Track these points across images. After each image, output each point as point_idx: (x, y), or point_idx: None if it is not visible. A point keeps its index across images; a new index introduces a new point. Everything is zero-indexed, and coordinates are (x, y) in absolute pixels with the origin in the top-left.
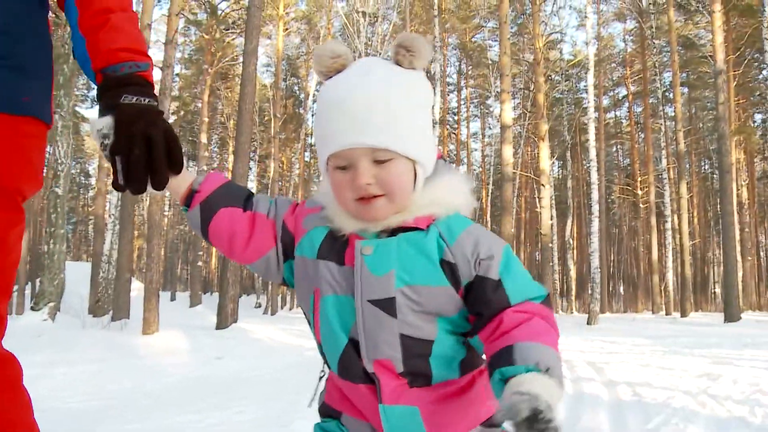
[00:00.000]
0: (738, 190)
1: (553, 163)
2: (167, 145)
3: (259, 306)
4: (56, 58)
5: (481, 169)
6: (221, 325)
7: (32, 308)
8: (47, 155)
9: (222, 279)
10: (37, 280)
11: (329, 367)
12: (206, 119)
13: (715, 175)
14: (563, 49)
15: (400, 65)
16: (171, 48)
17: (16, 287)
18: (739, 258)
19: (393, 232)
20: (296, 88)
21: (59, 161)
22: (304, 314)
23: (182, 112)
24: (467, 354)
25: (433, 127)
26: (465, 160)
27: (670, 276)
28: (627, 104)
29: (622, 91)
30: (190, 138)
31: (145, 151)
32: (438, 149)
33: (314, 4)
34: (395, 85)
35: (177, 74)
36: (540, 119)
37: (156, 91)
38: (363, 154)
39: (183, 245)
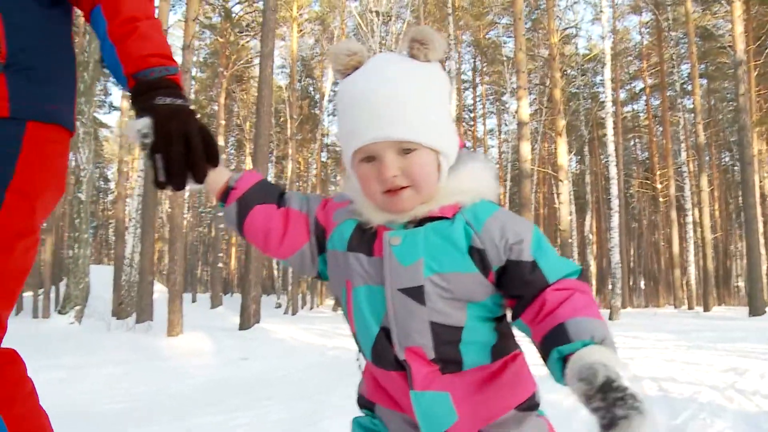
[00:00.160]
0: (761, 181)
1: (571, 158)
2: (204, 140)
3: (280, 306)
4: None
5: (498, 166)
6: (244, 325)
7: (59, 312)
8: (70, 162)
9: (244, 280)
10: (60, 284)
11: (364, 356)
12: (222, 122)
13: (736, 167)
14: (578, 44)
15: (415, 59)
16: (188, 53)
17: (41, 291)
18: (762, 251)
19: (420, 222)
20: (311, 88)
21: (81, 167)
22: (340, 305)
23: (198, 115)
24: (499, 340)
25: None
26: None
27: (691, 270)
28: (644, 97)
29: (639, 85)
30: None
31: (183, 147)
32: (460, 138)
33: (328, 5)
34: (413, 77)
35: (193, 77)
36: (557, 115)
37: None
38: (387, 147)
39: (203, 247)
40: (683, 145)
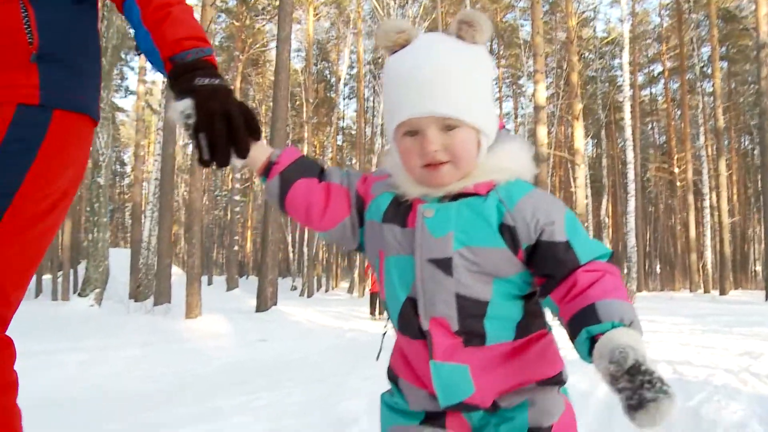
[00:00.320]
0: None
1: (588, 142)
2: (244, 117)
3: (295, 288)
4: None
5: None
6: (261, 308)
7: (79, 294)
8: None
9: (261, 263)
10: (78, 267)
11: (392, 324)
12: None
13: (755, 151)
14: (596, 27)
15: (462, 40)
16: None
17: (60, 273)
18: None
19: (454, 197)
20: (327, 72)
21: (100, 152)
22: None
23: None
24: (524, 317)
25: None
26: None
27: (708, 254)
28: (663, 81)
29: (658, 68)
30: None
31: (225, 124)
32: (500, 119)
33: None
34: (460, 57)
35: None
36: (574, 98)
37: None
38: (431, 122)
39: (218, 230)
40: (702, 128)
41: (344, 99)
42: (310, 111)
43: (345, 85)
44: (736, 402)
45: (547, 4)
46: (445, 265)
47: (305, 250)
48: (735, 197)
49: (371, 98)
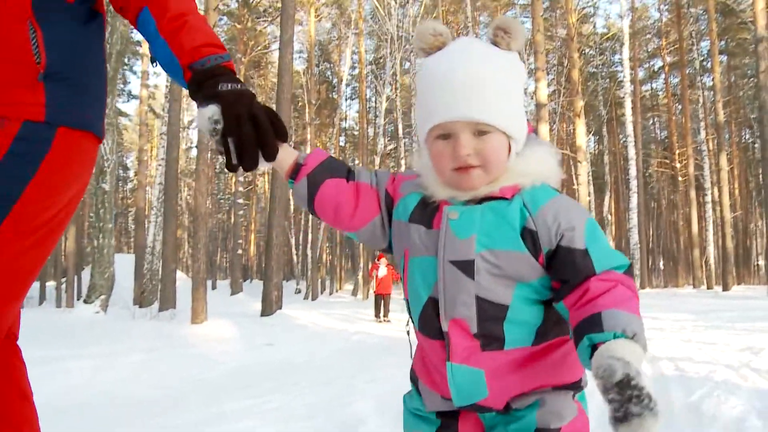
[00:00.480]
0: None
1: (589, 138)
2: (270, 119)
3: (299, 292)
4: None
5: None
6: (266, 312)
7: (84, 301)
8: None
9: (266, 267)
10: (82, 273)
11: (413, 323)
12: None
13: (756, 145)
14: (596, 23)
15: (497, 46)
16: None
17: (63, 280)
18: None
19: (480, 201)
20: (329, 73)
21: (105, 158)
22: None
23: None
24: (544, 323)
25: None
26: None
27: (711, 249)
28: (663, 76)
29: (658, 63)
30: None
31: (252, 127)
32: (529, 125)
33: None
34: (496, 63)
35: None
36: (575, 95)
37: None
38: (464, 127)
39: (222, 233)
40: (702, 123)
41: (346, 100)
42: (312, 112)
43: (347, 85)
44: (736, 397)
45: (547, 0)
46: (467, 267)
47: (309, 252)
48: (737, 192)
49: (373, 99)
